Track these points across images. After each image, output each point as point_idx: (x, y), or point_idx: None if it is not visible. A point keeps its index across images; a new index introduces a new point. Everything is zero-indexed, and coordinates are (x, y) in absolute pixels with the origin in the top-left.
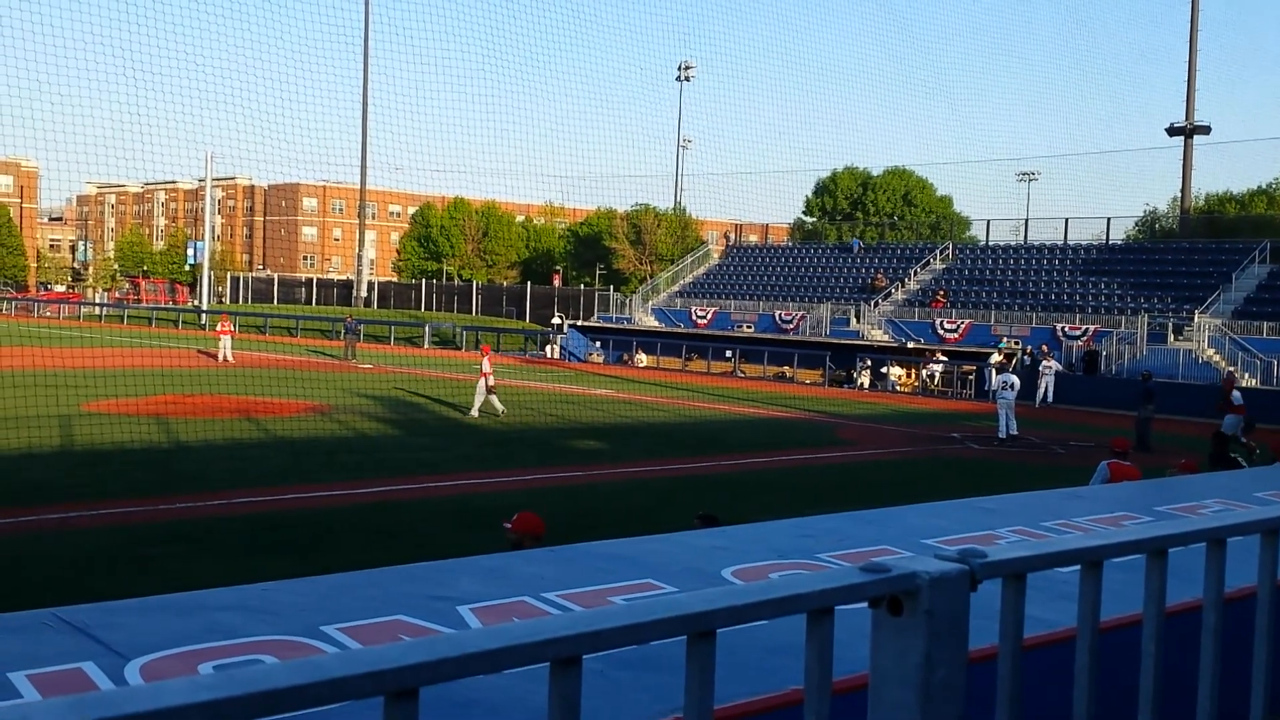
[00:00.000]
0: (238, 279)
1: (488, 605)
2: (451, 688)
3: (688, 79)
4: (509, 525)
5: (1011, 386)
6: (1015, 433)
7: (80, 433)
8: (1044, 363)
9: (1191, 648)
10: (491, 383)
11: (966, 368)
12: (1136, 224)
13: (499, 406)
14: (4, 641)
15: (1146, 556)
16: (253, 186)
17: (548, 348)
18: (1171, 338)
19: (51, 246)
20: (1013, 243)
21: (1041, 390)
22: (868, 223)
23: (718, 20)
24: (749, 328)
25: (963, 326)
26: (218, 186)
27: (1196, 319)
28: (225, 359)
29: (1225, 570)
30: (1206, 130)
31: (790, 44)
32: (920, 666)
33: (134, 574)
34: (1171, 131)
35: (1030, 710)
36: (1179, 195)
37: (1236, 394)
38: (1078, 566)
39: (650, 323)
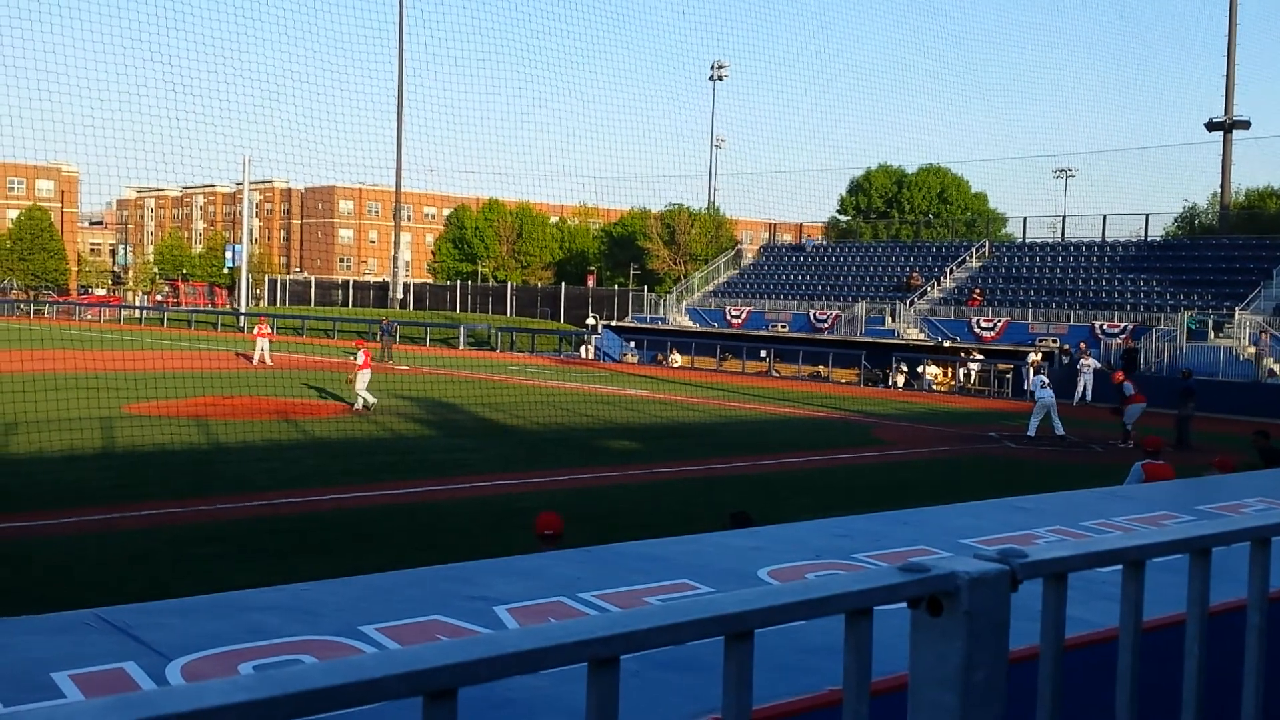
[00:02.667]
0: (275, 281)
1: (524, 606)
2: (488, 688)
3: (721, 78)
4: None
5: (1046, 386)
6: (1062, 433)
7: (121, 434)
8: (1082, 361)
9: (1235, 648)
10: (354, 377)
11: (1003, 366)
12: (1176, 220)
13: (356, 396)
14: (47, 642)
15: (1189, 556)
16: (290, 189)
17: (582, 348)
18: (1212, 335)
19: (92, 250)
20: (1050, 240)
21: (1080, 388)
22: (903, 220)
23: (751, 19)
24: (783, 327)
25: (999, 325)
26: (255, 190)
27: (1237, 316)
28: (262, 361)
29: (1270, 570)
30: (1246, 125)
31: (824, 42)
32: (960, 667)
33: (174, 575)
34: (1211, 126)
35: (1071, 711)
36: (1219, 191)
37: (1128, 385)
38: (1119, 566)
39: (684, 323)
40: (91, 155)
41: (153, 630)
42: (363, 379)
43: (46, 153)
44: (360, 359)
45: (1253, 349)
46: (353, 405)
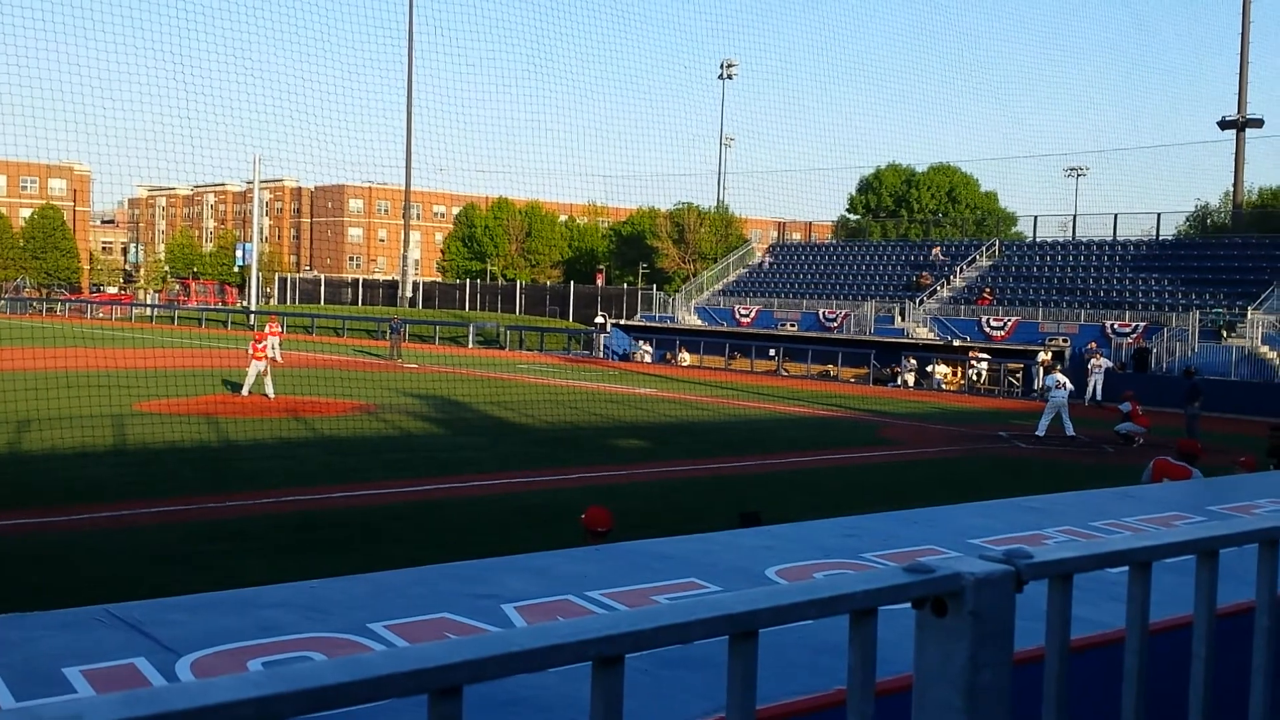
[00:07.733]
0: (285, 280)
1: (532, 604)
2: (495, 686)
3: (730, 77)
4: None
5: (1061, 386)
6: (1072, 434)
7: (132, 432)
8: (1093, 360)
9: (1243, 650)
10: (259, 365)
11: (1013, 365)
12: (1188, 219)
13: (250, 383)
14: (59, 637)
15: (1197, 557)
16: (299, 188)
17: (591, 347)
18: (1224, 334)
19: (103, 249)
20: (1061, 239)
21: (1091, 388)
22: (912, 219)
23: (760, 17)
24: (792, 326)
25: (1009, 324)
26: (265, 188)
27: (1250, 315)
28: (272, 359)
29: (1279, 572)
30: (1259, 123)
31: (834, 40)
32: (965, 668)
33: (185, 571)
34: (1223, 125)
35: (1078, 713)
36: (1231, 189)
37: (1126, 405)
38: (1126, 567)
39: (693, 321)
40: (103, 154)
41: (163, 626)
42: (254, 369)
43: (59, 152)
44: (267, 349)
45: (1273, 353)
46: (245, 393)
